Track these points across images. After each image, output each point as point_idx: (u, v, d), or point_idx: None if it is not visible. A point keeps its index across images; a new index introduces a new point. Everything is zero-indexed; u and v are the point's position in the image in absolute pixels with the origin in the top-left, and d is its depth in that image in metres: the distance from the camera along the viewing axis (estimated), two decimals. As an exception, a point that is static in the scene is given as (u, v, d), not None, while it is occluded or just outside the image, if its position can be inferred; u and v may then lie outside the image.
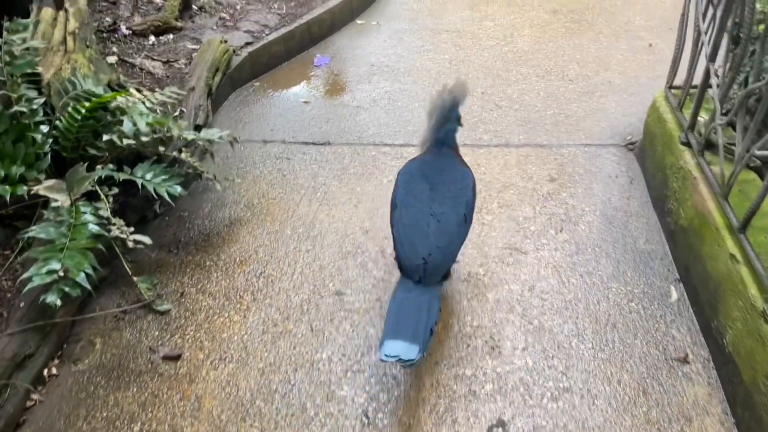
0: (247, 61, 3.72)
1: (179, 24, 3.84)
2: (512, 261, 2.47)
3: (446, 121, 2.12)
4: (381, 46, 4.16)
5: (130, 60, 3.41)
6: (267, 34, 3.90)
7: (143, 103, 2.68)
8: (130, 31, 3.66)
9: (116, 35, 3.62)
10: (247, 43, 3.79)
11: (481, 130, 3.26)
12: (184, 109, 3.12)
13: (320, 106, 3.55)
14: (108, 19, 3.75)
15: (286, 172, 3.03)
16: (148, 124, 2.48)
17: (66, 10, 2.92)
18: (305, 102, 3.59)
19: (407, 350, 1.75)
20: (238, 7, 4.17)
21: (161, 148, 2.49)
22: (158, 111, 2.72)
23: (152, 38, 3.70)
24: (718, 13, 2.19)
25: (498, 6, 4.62)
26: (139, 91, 3.09)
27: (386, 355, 1.75)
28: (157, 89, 3.01)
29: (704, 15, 2.37)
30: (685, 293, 2.28)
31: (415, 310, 1.85)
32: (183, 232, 2.69)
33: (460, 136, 2.23)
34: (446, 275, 2.14)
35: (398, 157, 3.09)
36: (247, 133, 3.33)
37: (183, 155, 2.48)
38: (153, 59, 3.46)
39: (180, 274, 2.47)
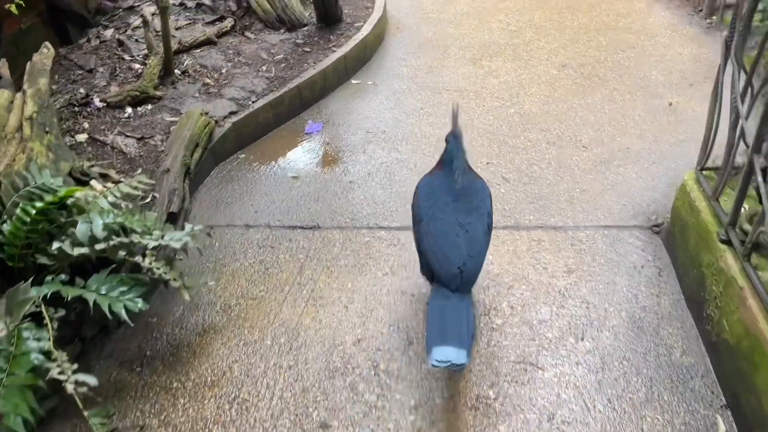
0: (231, 132, 3.47)
1: (158, 93, 3.62)
2: (527, 379, 2.14)
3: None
4: (377, 109, 3.91)
5: (102, 138, 3.17)
6: (253, 101, 3.66)
7: (105, 197, 2.42)
8: (105, 104, 3.43)
9: (89, 108, 3.39)
10: (232, 113, 3.55)
11: (488, 209, 2.97)
12: (156, 194, 2.85)
13: (310, 182, 3.28)
14: (82, 90, 3.53)
15: (269, 264, 2.74)
16: (106, 226, 2.20)
17: (24, 92, 2.69)
18: (294, 177, 3.32)
19: (457, 355, 1.83)
20: (224, 71, 3.95)
21: (121, 253, 2.21)
22: (123, 206, 2.45)
23: (129, 110, 3.47)
24: (761, 101, 1.91)
25: (502, 61, 4.38)
26: (104, 176, 2.84)
27: (438, 361, 1.82)
28: (122, 180, 2.75)
29: (743, 96, 2.08)
30: (735, 425, 1.94)
31: (456, 316, 1.94)
32: (149, 343, 2.39)
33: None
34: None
35: (395, 244, 2.80)
36: (229, 216, 3.06)
37: (146, 261, 2.19)
38: (127, 135, 3.21)
39: (142, 400, 2.16)
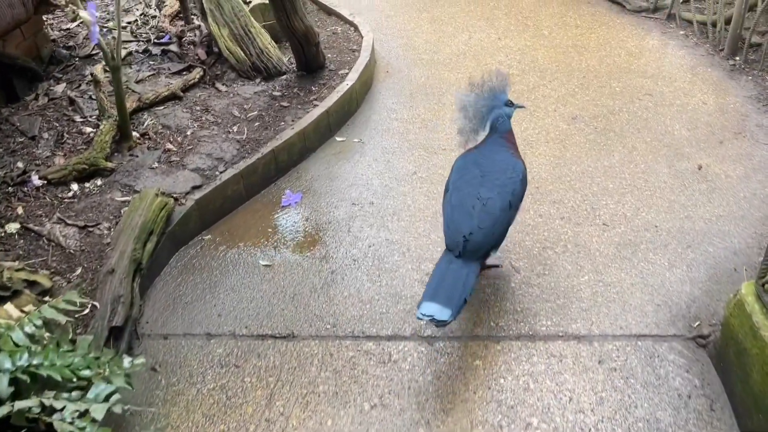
0: (194, 211, 3.03)
1: (110, 165, 3.17)
2: None
3: (490, 111, 2.47)
4: (364, 173, 3.47)
5: (37, 228, 2.72)
6: (221, 171, 3.22)
7: (22, 328, 1.96)
8: (45, 181, 2.98)
9: (26, 188, 2.95)
10: (195, 187, 3.10)
11: (498, 310, 2.52)
12: (97, 304, 2.40)
13: (285, 271, 2.83)
14: (20, 164, 3.09)
15: (232, 391, 2.28)
16: (13, 376, 1.75)
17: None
18: (266, 265, 2.88)
19: (441, 312, 2.05)
20: (189, 132, 3.51)
21: (31, 414, 1.75)
22: (45, 337, 1.99)
23: (74, 187, 3.03)
24: None
25: (505, 111, 3.95)
26: (32, 285, 2.38)
27: (422, 314, 2.06)
28: (48, 299, 2.29)
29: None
30: None
31: (453, 279, 2.14)
32: None
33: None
34: (488, 254, 2.35)
35: (385, 361, 2.35)
36: (187, 320, 2.60)
37: (63, 428, 1.72)
38: (67, 224, 2.76)
39: None
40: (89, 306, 2.39)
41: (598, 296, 2.56)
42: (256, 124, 3.64)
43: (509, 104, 2.55)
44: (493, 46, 4.85)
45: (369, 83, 4.34)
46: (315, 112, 3.70)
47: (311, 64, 4.13)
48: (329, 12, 5.21)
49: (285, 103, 3.83)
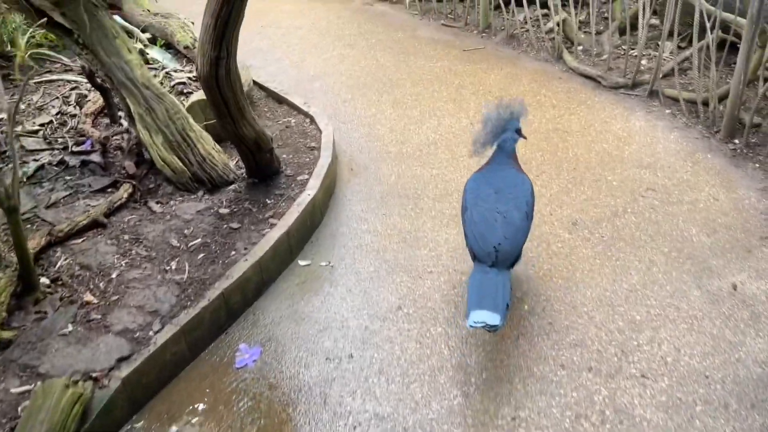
0: (120, 394, 2.33)
1: (8, 334, 2.46)
2: None
3: (503, 131, 2.79)
4: (338, 311, 2.86)
5: None
6: (157, 331, 2.55)
7: None
8: None
9: None
10: (122, 359, 2.42)
11: None
12: None
13: (246, 477, 2.15)
14: None
15: None
16: None
17: None
18: (220, 467, 2.19)
19: (491, 317, 2.25)
20: (114, 275, 2.84)
21: None
22: None
23: (-46, 373, 2.29)
24: None
25: (493, 216, 3.45)
26: None
27: (474, 322, 2.24)
28: None
29: None
30: None
31: (492, 287, 2.35)
32: None
33: None
34: (515, 262, 2.57)
35: None
36: None
37: None
38: (-62, 442, 2.02)
39: None
40: None
41: (661, 495, 2.00)
42: (200, 255, 2.99)
43: (519, 132, 2.83)
44: (465, 132, 4.39)
45: (332, 187, 3.78)
46: (272, 235, 3.09)
47: (264, 171, 3.54)
48: (280, 100, 4.68)
49: (235, 224, 3.21)
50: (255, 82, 4.85)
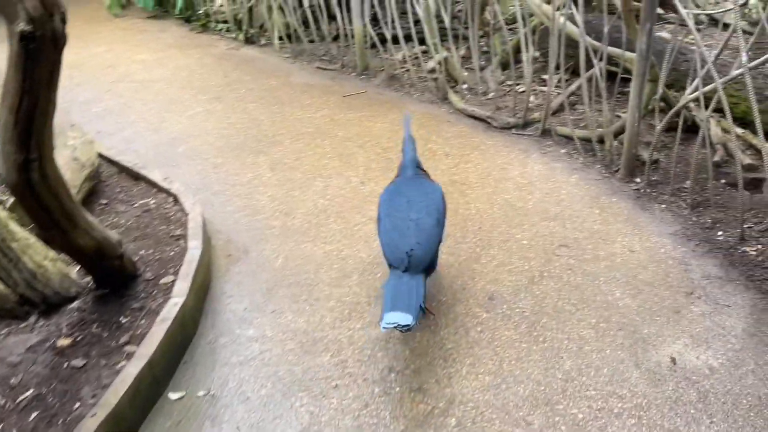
0: None
1: None
2: None
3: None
4: (225, 465, 2.26)
5: None
6: None
7: None
8: None
9: None
10: None
11: None
12: None
13: None
14: None
15: None
16: None
17: None
18: None
19: (404, 318, 2.34)
20: None
21: None
22: None
23: None
24: None
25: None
26: None
27: (387, 323, 2.34)
28: None
29: None
30: None
31: (406, 290, 2.46)
32: None
33: None
34: (430, 268, 2.70)
35: None
36: None
37: None
38: None
39: None
40: None
41: None
42: (33, 416, 2.27)
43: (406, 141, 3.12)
44: (357, 194, 3.95)
45: (206, 284, 3.17)
46: (130, 370, 2.42)
47: (115, 279, 2.87)
48: (136, 177, 3.98)
49: (79, 361, 2.51)
50: (102, 156, 4.12)
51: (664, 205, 3.59)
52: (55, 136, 3.97)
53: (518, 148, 4.37)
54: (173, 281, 2.96)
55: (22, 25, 1.83)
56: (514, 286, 3.05)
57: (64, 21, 1.97)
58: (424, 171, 3.08)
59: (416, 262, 2.53)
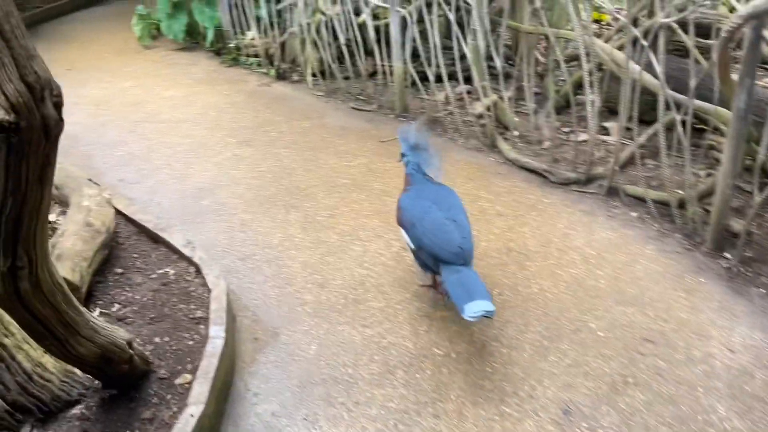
0: None
1: None
2: None
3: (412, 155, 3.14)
4: None
5: None
6: None
7: None
8: None
9: None
10: None
11: None
12: None
13: None
14: None
15: None
16: None
17: None
18: None
19: (486, 305, 2.46)
20: None
21: None
22: None
23: None
24: None
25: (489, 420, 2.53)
26: None
27: (474, 312, 2.44)
28: None
29: None
30: None
31: (473, 280, 2.60)
32: None
33: None
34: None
35: None
36: None
37: None
38: None
39: None
40: None
41: None
42: None
43: (404, 154, 3.17)
44: (399, 262, 3.49)
45: (229, 380, 2.74)
46: None
47: (124, 381, 2.46)
48: (156, 239, 3.60)
49: (75, 494, 2.10)
50: (120, 213, 3.75)
51: (763, 290, 3.06)
52: (70, 194, 3.67)
53: (581, 209, 3.87)
54: (191, 381, 2.54)
55: (1, 114, 1.44)
56: (594, 396, 2.55)
57: (59, 105, 1.57)
58: (430, 177, 3.13)
59: (468, 255, 2.73)
